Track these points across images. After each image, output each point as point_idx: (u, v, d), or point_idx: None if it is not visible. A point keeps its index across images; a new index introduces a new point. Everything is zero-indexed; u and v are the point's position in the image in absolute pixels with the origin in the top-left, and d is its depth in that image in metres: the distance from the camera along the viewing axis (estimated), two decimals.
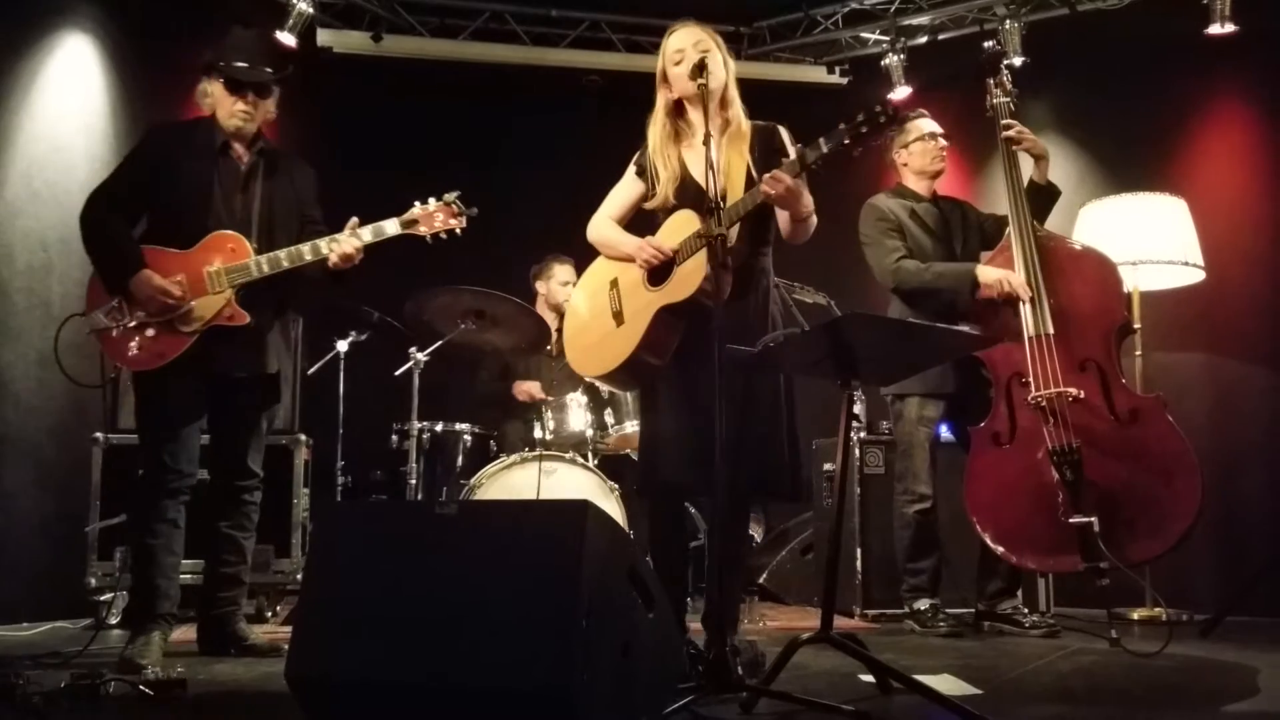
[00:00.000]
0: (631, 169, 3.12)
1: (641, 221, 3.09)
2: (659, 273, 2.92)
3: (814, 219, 2.91)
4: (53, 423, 4.37)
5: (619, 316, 2.99)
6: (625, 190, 3.13)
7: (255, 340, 3.24)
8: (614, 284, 3.03)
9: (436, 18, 5.83)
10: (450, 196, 3.32)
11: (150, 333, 3.13)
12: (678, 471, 2.87)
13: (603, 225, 3.12)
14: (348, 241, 3.18)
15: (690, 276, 2.81)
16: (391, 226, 3.26)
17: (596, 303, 3.07)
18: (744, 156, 2.91)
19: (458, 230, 3.31)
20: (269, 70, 3.29)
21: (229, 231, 3.18)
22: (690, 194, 2.93)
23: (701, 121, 2.86)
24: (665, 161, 2.98)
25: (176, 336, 3.13)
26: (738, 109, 2.98)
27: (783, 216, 2.90)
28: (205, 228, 3.17)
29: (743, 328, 2.82)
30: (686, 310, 2.84)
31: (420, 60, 5.79)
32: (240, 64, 3.24)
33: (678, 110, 3.04)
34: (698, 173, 2.93)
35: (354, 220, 3.23)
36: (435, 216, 3.28)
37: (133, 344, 3.14)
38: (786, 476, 2.92)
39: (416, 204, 3.30)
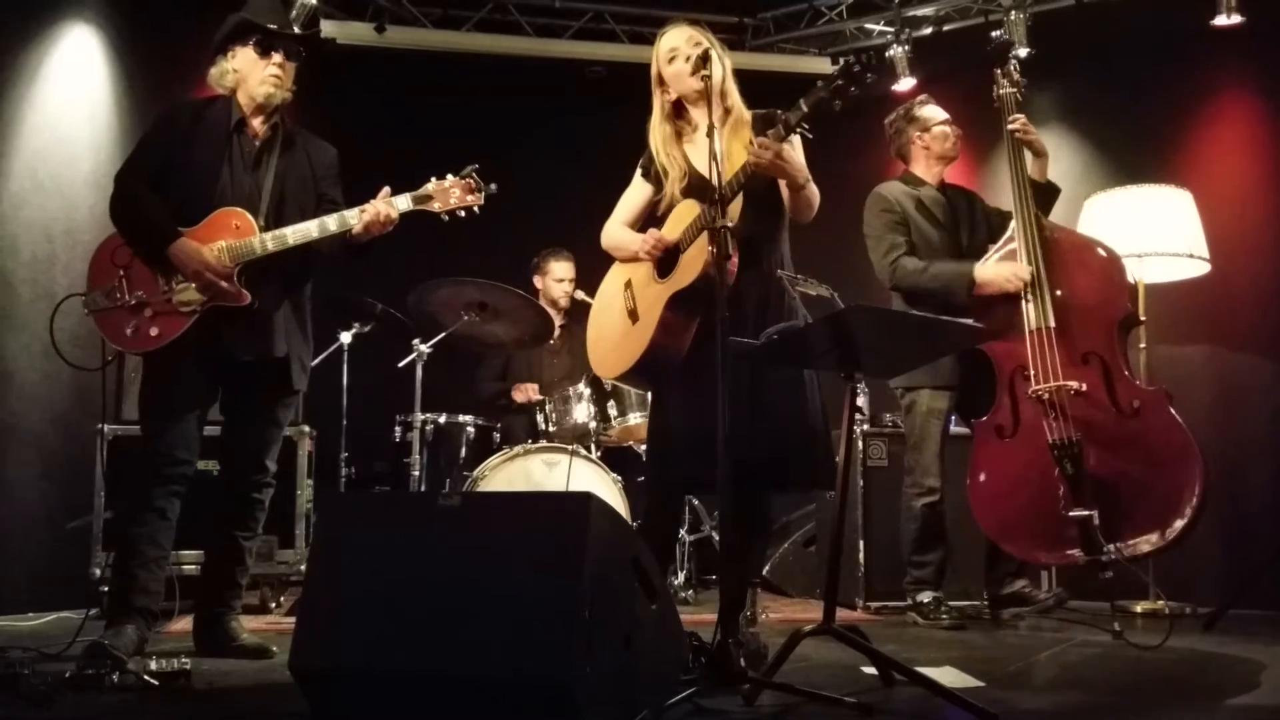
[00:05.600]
0: (638, 172, 3.13)
1: (655, 223, 3.07)
2: (666, 264, 2.93)
3: (814, 188, 2.90)
4: (57, 413, 4.38)
5: (634, 314, 3.01)
6: (634, 194, 3.14)
7: (261, 322, 3.08)
8: (628, 285, 3.05)
9: (440, 9, 5.83)
10: (468, 170, 3.14)
11: (148, 313, 3.01)
12: (691, 467, 2.84)
13: (614, 230, 3.13)
14: (383, 206, 3.02)
15: (694, 261, 2.82)
16: (404, 202, 3.07)
17: (614, 306, 3.09)
18: (745, 145, 2.89)
19: (475, 208, 3.13)
20: (296, 31, 3.16)
21: (234, 208, 3.05)
22: (696, 187, 2.94)
23: (703, 116, 2.87)
24: (671, 162, 2.99)
25: (174, 317, 3.00)
26: (736, 99, 2.99)
27: (781, 189, 2.89)
28: (212, 206, 3.05)
29: (742, 315, 2.81)
30: (699, 297, 2.82)
31: (423, 51, 5.78)
32: (270, 26, 3.12)
33: (677, 110, 3.05)
34: (702, 166, 2.94)
35: (386, 189, 3.08)
36: (451, 192, 3.11)
37: (129, 325, 3.02)
38: (805, 466, 2.89)
39: (433, 179, 3.13)
